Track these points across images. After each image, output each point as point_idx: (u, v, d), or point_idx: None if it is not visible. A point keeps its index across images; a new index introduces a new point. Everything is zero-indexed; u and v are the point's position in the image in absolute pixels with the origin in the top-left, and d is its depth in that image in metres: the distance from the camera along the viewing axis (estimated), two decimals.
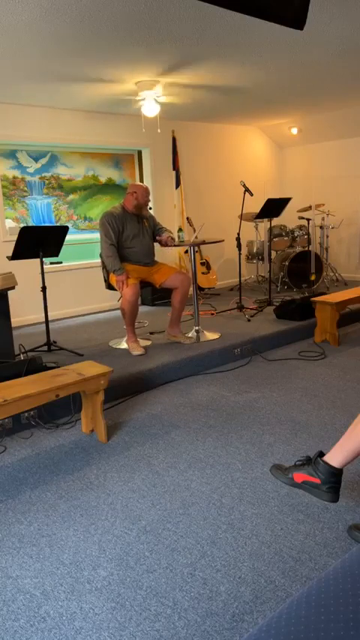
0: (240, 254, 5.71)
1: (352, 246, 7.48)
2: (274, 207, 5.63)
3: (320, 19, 3.34)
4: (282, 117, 6.94)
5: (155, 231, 4.47)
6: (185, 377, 4.03)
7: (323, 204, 7.10)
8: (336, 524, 2.09)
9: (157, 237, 4.45)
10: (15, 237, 4.48)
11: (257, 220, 6.93)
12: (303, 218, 6.56)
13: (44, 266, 5.81)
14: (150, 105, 5.02)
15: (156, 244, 4.53)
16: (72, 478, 2.58)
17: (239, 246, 5.61)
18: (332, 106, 6.35)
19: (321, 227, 7.10)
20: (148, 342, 4.53)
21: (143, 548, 2.01)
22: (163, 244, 4.39)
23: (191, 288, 4.63)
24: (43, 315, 5.14)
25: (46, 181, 5.84)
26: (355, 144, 7.18)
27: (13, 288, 3.71)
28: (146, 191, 4.29)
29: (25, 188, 5.69)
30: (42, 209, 5.86)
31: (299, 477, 2.05)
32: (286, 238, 6.84)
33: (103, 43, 3.60)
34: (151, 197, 6.52)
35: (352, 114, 6.66)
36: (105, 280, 4.43)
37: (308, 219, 6.56)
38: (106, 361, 3.99)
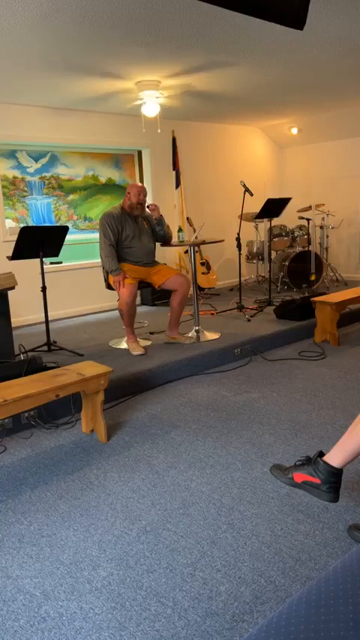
0: (240, 254, 5.71)
1: (352, 246, 7.48)
2: (274, 207, 5.63)
3: (320, 19, 3.34)
4: (282, 117, 6.94)
5: (155, 230, 4.47)
6: (185, 377, 4.03)
7: (323, 204, 7.10)
8: (336, 524, 2.09)
9: (148, 211, 4.34)
10: (15, 237, 4.48)
11: (257, 220, 6.93)
12: (303, 218, 6.56)
13: (44, 266, 5.80)
14: (150, 105, 5.02)
15: (157, 244, 4.53)
16: (72, 478, 2.58)
17: (239, 246, 5.61)
18: (332, 106, 6.35)
19: (321, 227, 7.10)
20: (148, 342, 4.53)
21: (143, 548, 2.01)
22: (151, 212, 4.29)
23: (191, 289, 4.63)
24: (43, 315, 5.14)
25: (46, 181, 5.84)
26: (355, 144, 7.18)
27: (13, 288, 3.71)
28: (139, 190, 4.22)
29: (25, 188, 5.69)
30: (42, 209, 5.86)
31: (299, 476, 2.04)
32: (286, 238, 6.84)
33: (103, 43, 3.60)
34: (151, 197, 6.53)
35: (352, 114, 6.66)
36: (105, 280, 4.42)
37: (308, 219, 6.56)
38: (106, 361, 3.99)
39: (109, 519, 2.21)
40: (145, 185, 6.18)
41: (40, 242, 4.21)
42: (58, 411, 3.33)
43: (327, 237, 7.10)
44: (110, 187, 6.40)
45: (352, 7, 3.16)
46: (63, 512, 2.28)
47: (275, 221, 7.68)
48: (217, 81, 4.78)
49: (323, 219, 7.15)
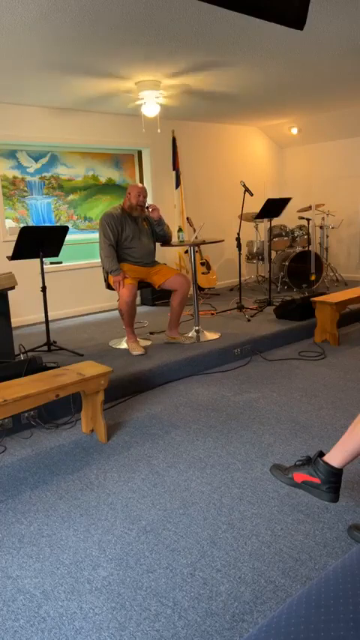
0: (240, 254, 5.71)
1: (352, 246, 7.48)
2: (274, 207, 5.63)
3: (320, 19, 3.34)
4: (282, 117, 6.94)
5: (155, 231, 4.46)
6: (185, 377, 4.03)
7: (323, 204, 7.10)
8: (336, 524, 2.09)
9: (148, 214, 4.35)
10: (15, 237, 4.48)
11: (257, 220, 6.93)
12: (303, 218, 6.56)
13: (44, 266, 5.80)
14: (150, 105, 5.02)
15: (157, 244, 4.53)
16: (72, 478, 2.58)
17: (239, 246, 5.61)
18: (332, 106, 6.35)
19: (321, 227, 7.10)
20: (148, 342, 4.53)
21: (143, 548, 2.01)
22: (151, 214, 4.29)
23: (191, 289, 4.63)
24: (43, 315, 5.14)
25: (46, 181, 5.84)
26: (355, 144, 7.18)
27: (13, 288, 3.71)
28: (139, 191, 4.20)
29: (25, 188, 5.69)
30: (42, 209, 5.86)
31: (299, 476, 2.04)
32: (286, 238, 6.84)
33: (103, 43, 3.60)
34: (151, 197, 6.53)
35: (352, 114, 6.66)
36: (105, 280, 4.42)
37: (308, 219, 6.55)
38: (106, 361, 3.99)
39: (109, 519, 2.21)
40: (145, 185, 6.18)
41: (40, 242, 4.21)
42: (58, 411, 3.33)
43: (327, 237, 7.10)
44: (110, 187, 6.40)
45: (352, 7, 3.16)
46: (63, 512, 2.28)
47: (275, 221, 7.68)
48: (217, 81, 4.78)
49: (323, 219, 7.15)
